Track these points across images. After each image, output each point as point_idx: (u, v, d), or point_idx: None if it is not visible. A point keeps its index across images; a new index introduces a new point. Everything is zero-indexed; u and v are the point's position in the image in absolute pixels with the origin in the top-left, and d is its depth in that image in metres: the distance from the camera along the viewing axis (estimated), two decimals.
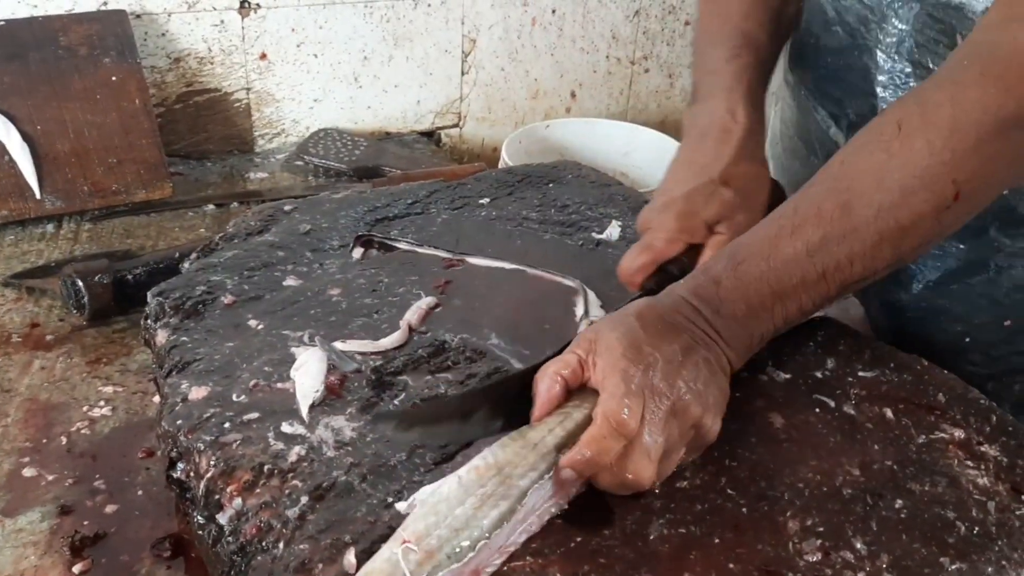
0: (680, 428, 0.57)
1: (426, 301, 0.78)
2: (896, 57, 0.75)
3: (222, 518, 0.58)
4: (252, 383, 0.67)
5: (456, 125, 1.58)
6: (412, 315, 0.76)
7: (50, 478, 0.75)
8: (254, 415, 0.64)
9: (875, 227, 0.60)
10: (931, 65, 0.74)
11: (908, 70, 0.75)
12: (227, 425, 0.63)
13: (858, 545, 0.56)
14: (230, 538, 0.57)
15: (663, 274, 0.72)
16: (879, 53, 0.76)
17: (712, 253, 0.71)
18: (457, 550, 0.50)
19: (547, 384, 0.59)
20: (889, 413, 0.67)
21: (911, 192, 0.59)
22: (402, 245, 0.87)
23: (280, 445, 0.61)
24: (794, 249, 0.61)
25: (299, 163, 1.38)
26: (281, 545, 0.55)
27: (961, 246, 0.75)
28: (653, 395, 0.56)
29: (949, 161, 0.58)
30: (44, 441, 0.79)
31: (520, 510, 0.53)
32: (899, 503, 0.59)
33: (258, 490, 0.58)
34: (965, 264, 0.76)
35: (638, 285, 0.72)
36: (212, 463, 0.60)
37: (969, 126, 0.58)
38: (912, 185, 0.59)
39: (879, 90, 0.76)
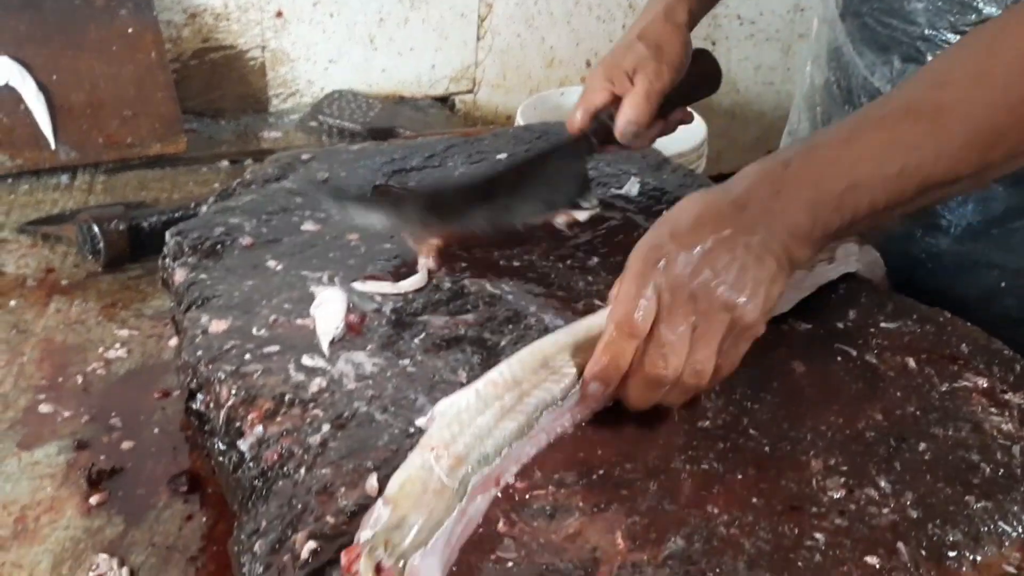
0: (709, 314, 0.55)
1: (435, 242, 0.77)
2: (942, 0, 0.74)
3: (243, 445, 0.58)
4: (272, 319, 0.67)
5: (470, 91, 1.57)
6: (429, 259, 0.75)
7: (66, 414, 0.75)
8: (275, 348, 0.64)
9: (968, 125, 0.56)
10: (982, 6, 0.73)
11: (956, 12, 0.75)
12: (248, 357, 0.63)
13: (882, 483, 0.55)
14: (251, 464, 0.57)
15: (597, 122, 0.82)
16: None
17: (629, 99, 0.79)
18: (485, 455, 0.50)
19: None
20: (912, 363, 0.66)
21: (1011, 88, 0.55)
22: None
23: (301, 377, 0.61)
24: (877, 138, 0.57)
25: (313, 124, 1.38)
26: (303, 470, 0.55)
27: (1003, 190, 0.75)
28: (669, 288, 0.55)
29: None
30: (60, 380, 0.79)
31: (535, 426, 0.53)
32: (923, 446, 0.59)
33: (279, 418, 0.58)
34: (1007, 209, 0.75)
35: (576, 130, 0.82)
36: (233, 392, 0.60)
37: None
38: (1013, 85, 0.55)
39: (927, 32, 0.76)
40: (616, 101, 0.80)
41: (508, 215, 0.77)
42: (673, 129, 0.86)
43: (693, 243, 0.56)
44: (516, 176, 0.79)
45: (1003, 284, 0.78)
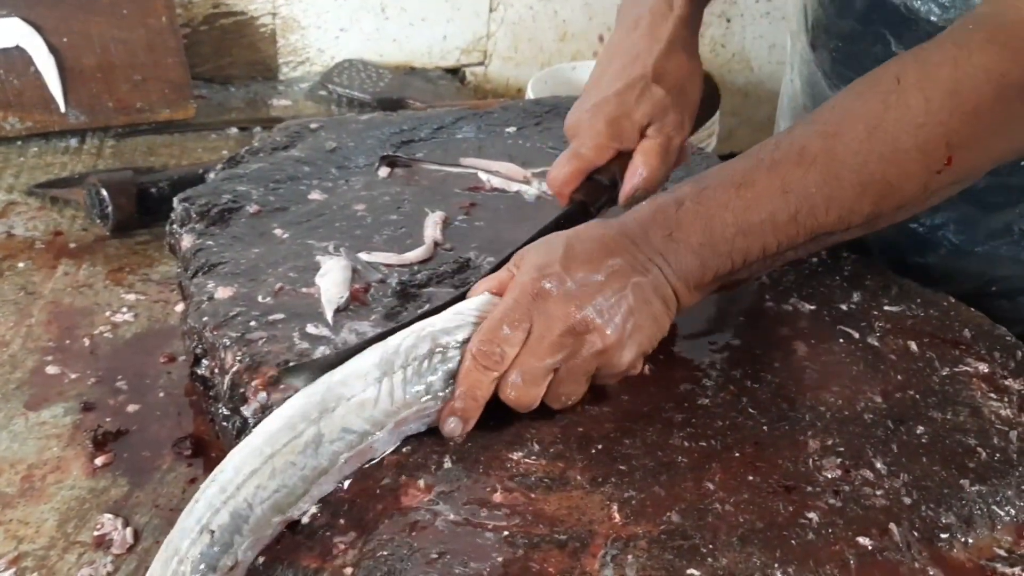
0: (579, 354, 0.54)
1: (437, 215, 0.78)
2: (907, 45, 0.75)
3: (247, 411, 0.58)
4: (277, 286, 0.67)
5: (481, 63, 1.56)
6: (433, 230, 0.76)
7: (73, 376, 0.76)
8: (279, 316, 0.64)
9: (860, 176, 0.56)
10: None
11: None
12: (253, 323, 0.63)
13: (878, 465, 0.56)
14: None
15: (592, 183, 0.68)
16: (891, 41, 0.75)
17: (643, 159, 0.68)
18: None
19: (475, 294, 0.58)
20: (914, 346, 0.67)
21: (903, 149, 0.56)
22: (430, 166, 0.87)
23: (305, 344, 0.62)
24: (769, 183, 0.56)
25: (323, 93, 1.37)
26: None
27: (982, 215, 0.76)
28: (546, 319, 0.53)
29: (946, 122, 0.55)
30: (67, 342, 0.80)
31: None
32: (920, 429, 0.59)
33: (283, 386, 0.59)
34: (989, 231, 0.76)
35: (567, 197, 0.69)
36: (238, 358, 0.61)
37: (970, 89, 0.55)
38: (905, 141, 0.55)
39: None
40: (617, 158, 0.69)
41: None
42: (666, 179, 0.74)
43: (583, 276, 0.54)
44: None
45: (993, 288, 0.79)
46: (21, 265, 0.90)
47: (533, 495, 0.52)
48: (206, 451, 0.70)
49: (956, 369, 0.65)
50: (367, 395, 0.52)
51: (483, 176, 0.86)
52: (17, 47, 1.10)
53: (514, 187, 0.85)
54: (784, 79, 1.01)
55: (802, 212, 0.56)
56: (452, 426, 0.54)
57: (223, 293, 0.66)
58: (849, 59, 0.81)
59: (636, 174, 0.68)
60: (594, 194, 0.68)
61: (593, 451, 0.55)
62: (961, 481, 0.55)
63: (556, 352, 0.53)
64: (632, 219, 0.58)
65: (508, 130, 0.96)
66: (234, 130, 1.22)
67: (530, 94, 1.40)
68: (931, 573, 0.49)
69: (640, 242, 0.56)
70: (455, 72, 1.54)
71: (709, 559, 0.49)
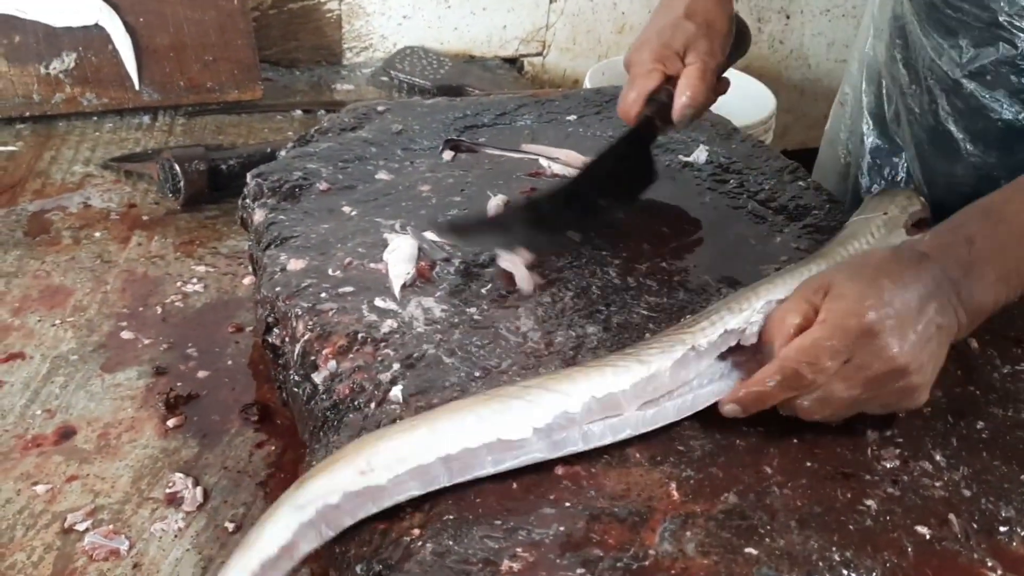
0: (885, 391, 0.55)
1: (500, 198, 0.79)
2: None
3: (317, 377, 0.60)
4: (347, 261, 0.69)
5: (539, 54, 1.57)
6: (495, 213, 0.77)
7: (146, 341, 0.79)
8: (349, 288, 0.66)
9: None
10: None
11: None
12: (323, 295, 0.65)
13: (937, 457, 0.56)
14: (324, 396, 0.59)
15: (653, 102, 0.79)
16: None
17: (686, 81, 0.78)
18: None
19: (782, 332, 0.57)
20: (974, 343, 0.66)
21: None
22: (492, 151, 0.89)
23: (373, 317, 0.64)
24: None
25: (384, 79, 1.40)
26: (373, 405, 0.57)
27: None
28: (867, 353, 0.54)
29: None
30: (141, 309, 0.83)
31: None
32: (980, 424, 0.59)
33: (351, 355, 0.61)
34: None
35: (633, 117, 0.80)
36: (309, 327, 0.63)
37: None
38: None
39: (1001, 18, 0.75)
40: (667, 82, 0.79)
41: (596, 215, 0.77)
42: (713, 102, 0.85)
43: (904, 313, 0.54)
44: (596, 175, 0.77)
45: None
46: (97, 234, 0.94)
47: (593, 470, 0.53)
48: (271, 417, 0.73)
49: (1018, 367, 0.64)
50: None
51: (544, 162, 0.87)
52: (96, 25, 1.14)
53: (574, 173, 0.86)
54: (863, 46, 0.99)
55: None
56: (731, 409, 0.57)
57: (295, 265, 0.69)
58: (950, 3, 0.80)
59: (683, 94, 0.78)
60: (659, 110, 0.79)
61: (651, 432, 0.56)
62: (1022, 476, 0.55)
63: (868, 389, 0.55)
64: (925, 256, 0.58)
65: (569, 118, 0.97)
66: (299, 112, 1.25)
67: (587, 85, 1.41)
68: (990, 565, 0.49)
69: (941, 281, 0.57)
70: (513, 62, 1.56)
71: (767, 539, 0.50)
